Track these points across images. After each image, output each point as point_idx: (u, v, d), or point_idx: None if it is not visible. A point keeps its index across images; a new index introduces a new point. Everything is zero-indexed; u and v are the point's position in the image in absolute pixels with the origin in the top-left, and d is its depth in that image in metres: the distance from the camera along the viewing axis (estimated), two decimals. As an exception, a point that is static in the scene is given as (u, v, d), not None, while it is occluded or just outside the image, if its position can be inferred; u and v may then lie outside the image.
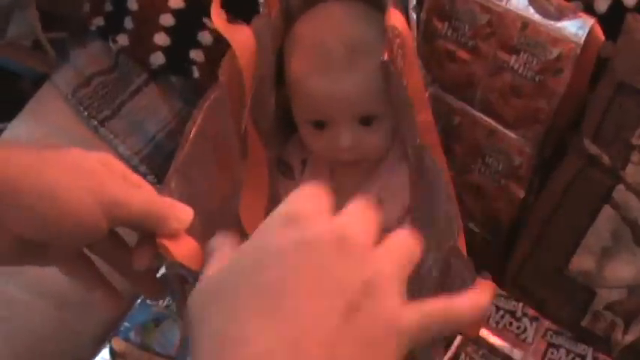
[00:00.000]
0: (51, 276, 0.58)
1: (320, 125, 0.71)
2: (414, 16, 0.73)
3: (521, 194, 0.83)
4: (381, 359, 0.38)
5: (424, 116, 0.66)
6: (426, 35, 0.81)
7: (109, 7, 0.99)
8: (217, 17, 0.66)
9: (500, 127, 0.81)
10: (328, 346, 0.36)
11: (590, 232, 0.78)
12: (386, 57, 0.63)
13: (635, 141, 0.74)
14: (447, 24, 0.80)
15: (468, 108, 0.83)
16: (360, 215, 0.42)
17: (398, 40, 0.63)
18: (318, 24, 0.71)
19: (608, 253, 0.78)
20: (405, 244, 0.43)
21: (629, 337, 0.80)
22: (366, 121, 0.70)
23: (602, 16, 0.76)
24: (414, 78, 0.65)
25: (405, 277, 0.41)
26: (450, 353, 0.83)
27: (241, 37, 0.66)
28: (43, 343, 0.84)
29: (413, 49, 0.65)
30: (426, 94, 0.68)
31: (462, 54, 0.80)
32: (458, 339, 0.84)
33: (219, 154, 0.66)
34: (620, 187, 0.76)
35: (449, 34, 0.80)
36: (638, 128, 0.74)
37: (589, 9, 0.76)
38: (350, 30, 0.69)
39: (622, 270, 0.78)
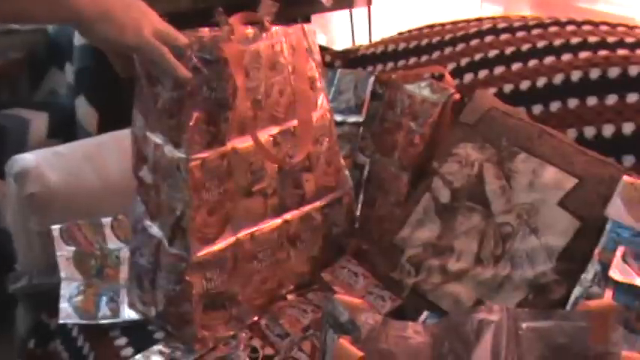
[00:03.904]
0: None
1: None
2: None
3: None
4: None
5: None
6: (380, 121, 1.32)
7: None
8: None
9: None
10: None
11: (414, 212, 1.12)
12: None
13: (453, 151, 1.13)
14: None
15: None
16: None
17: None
18: None
19: (419, 224, 1.10)
20: None
21: (414, 279, 1.05)
22: None
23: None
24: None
25: None
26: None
27: None
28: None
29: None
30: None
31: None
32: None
33: None
34: (437, 178, 1.12)
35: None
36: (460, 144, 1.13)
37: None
38: None
39: (423, 233, 1.08)
